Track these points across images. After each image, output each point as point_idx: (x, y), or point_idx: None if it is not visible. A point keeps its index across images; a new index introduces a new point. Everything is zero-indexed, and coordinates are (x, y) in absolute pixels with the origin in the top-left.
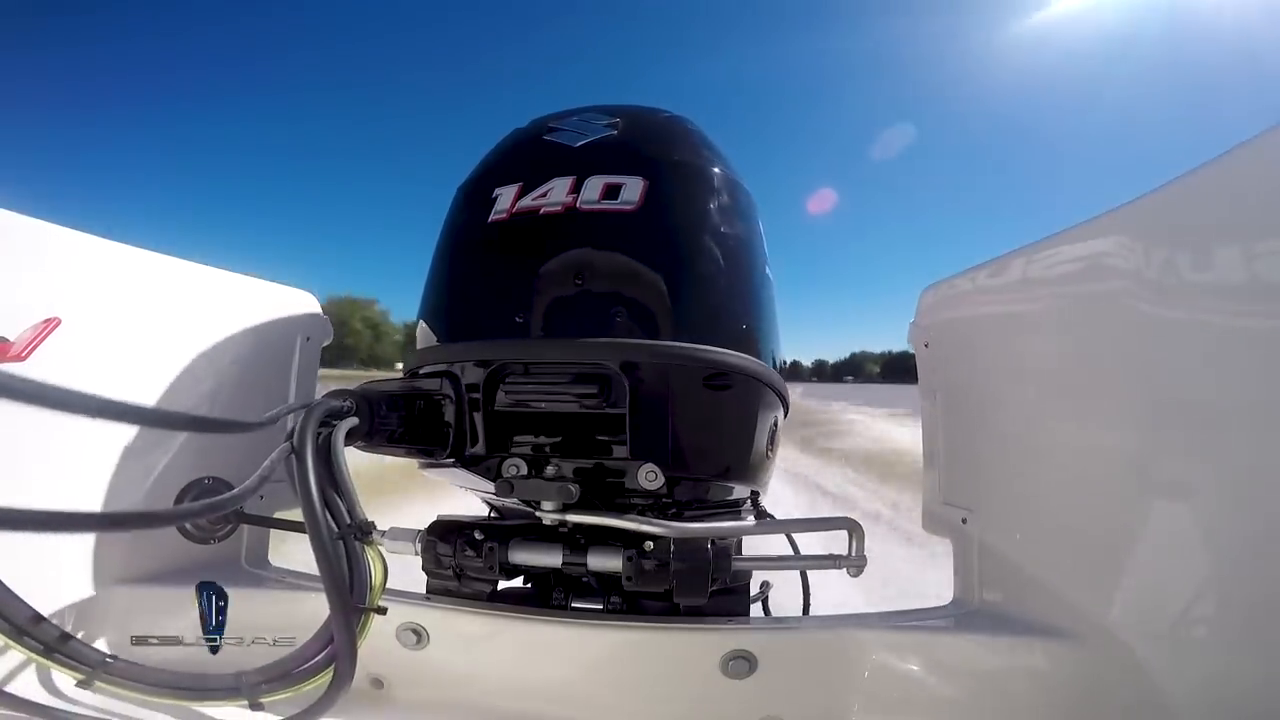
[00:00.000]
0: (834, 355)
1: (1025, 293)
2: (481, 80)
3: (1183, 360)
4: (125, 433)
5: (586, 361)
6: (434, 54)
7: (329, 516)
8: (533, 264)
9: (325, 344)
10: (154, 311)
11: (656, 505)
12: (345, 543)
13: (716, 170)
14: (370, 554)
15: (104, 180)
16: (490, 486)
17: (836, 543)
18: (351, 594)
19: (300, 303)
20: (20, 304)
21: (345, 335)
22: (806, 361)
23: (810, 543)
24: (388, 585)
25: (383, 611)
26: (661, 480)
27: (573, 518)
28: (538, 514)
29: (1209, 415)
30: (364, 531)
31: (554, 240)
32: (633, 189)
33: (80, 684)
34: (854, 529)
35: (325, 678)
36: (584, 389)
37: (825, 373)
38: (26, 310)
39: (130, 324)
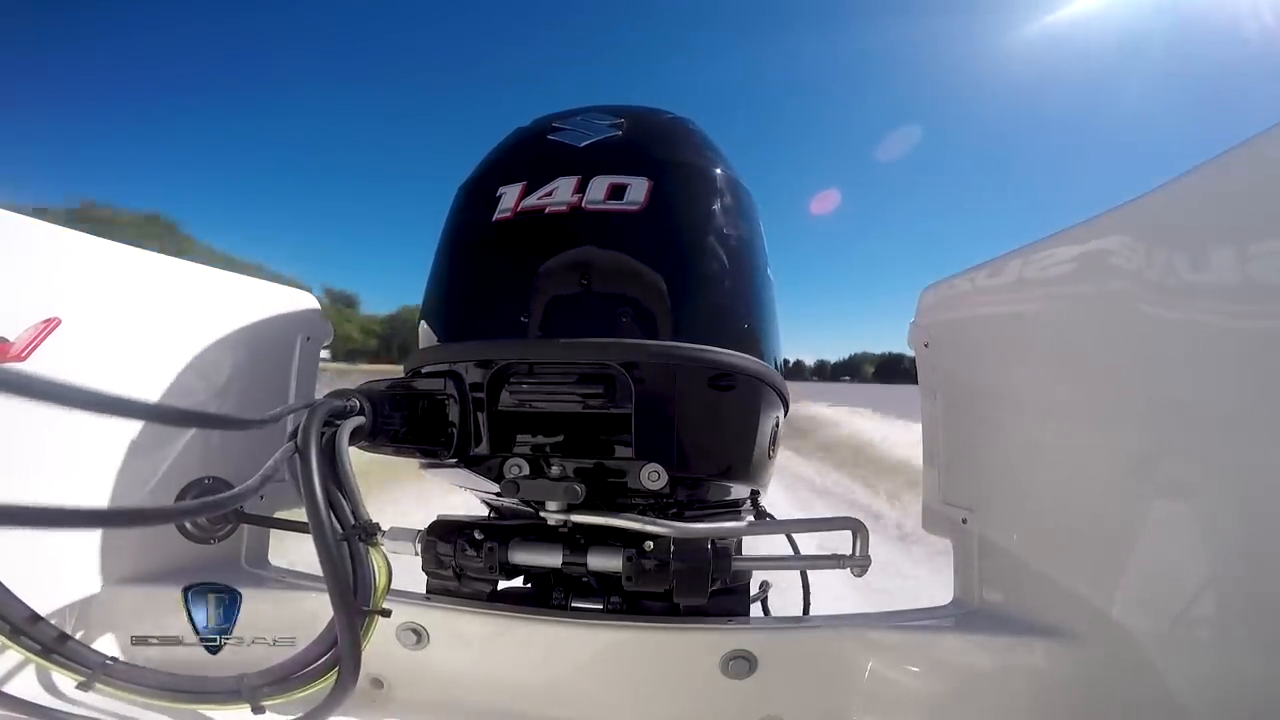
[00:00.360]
0: (836, 355)
1: (1025, 293)
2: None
3: (1183, 360)
4: (125, 431)
5: (592, 362)
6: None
7: (333, 517)
8: (537, 263)
9: (326, 344)
10: (154, 312)
11: (657, 505)
12: (349, 544)
13: (719, 171)
14: (374, 555)
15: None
16: (492, 486)
17: (834, 543)
18: (355, 596)
19: (300, 303)
20: (20, 304)
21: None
22: (809, 361)
23: (811, 543)
24: None
25: (387, 614)
26: (665, 480)
27: (576, 518)
28: (541, 514)
29: (1209, 415)
30: (368, 533)
31: (559, 240)
32: (638, 189)
33: (80, 686)
34: (858, 529)
35: (328, 681)
36: (589, 389)
37: (826, 372)
38: (26, 310)
39: (130, 324)
